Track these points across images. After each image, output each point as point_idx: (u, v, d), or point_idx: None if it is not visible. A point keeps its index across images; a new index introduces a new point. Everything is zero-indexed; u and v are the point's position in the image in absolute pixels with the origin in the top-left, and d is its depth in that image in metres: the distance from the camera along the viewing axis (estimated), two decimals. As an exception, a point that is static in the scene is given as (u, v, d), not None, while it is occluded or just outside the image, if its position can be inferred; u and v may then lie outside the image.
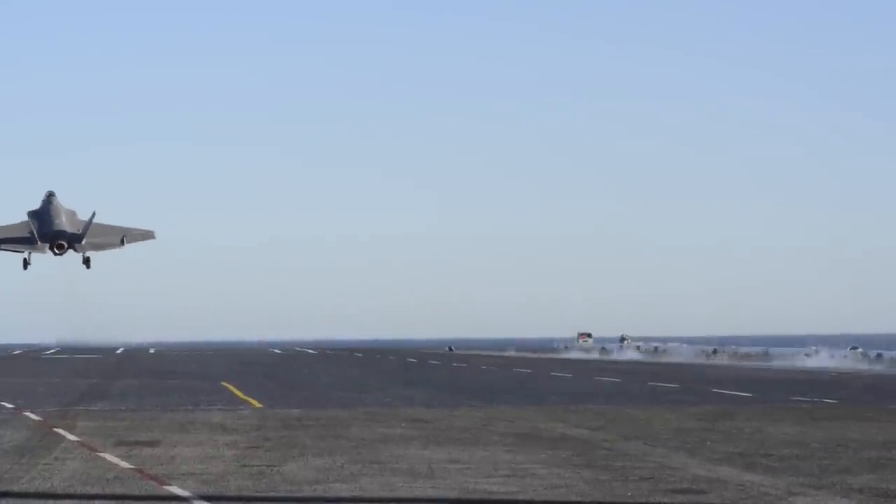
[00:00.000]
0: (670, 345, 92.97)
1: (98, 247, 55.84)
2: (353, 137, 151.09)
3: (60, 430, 21.47)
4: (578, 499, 13.62)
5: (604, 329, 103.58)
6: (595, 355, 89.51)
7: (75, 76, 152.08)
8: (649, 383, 41.75)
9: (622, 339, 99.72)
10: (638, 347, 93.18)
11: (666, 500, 13.54)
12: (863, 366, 67.52)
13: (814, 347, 75.30)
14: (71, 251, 55.31)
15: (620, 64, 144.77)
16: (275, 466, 16.33)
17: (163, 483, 14.72)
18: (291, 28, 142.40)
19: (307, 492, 14.11)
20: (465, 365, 64.13)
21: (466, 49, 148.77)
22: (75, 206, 56.62)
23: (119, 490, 14.18)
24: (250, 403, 29.85)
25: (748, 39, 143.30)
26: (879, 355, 74.42)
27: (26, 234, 54.75)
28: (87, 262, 55.63)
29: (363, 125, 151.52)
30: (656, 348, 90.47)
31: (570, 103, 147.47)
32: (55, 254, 54.95)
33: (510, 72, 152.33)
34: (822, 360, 68.93)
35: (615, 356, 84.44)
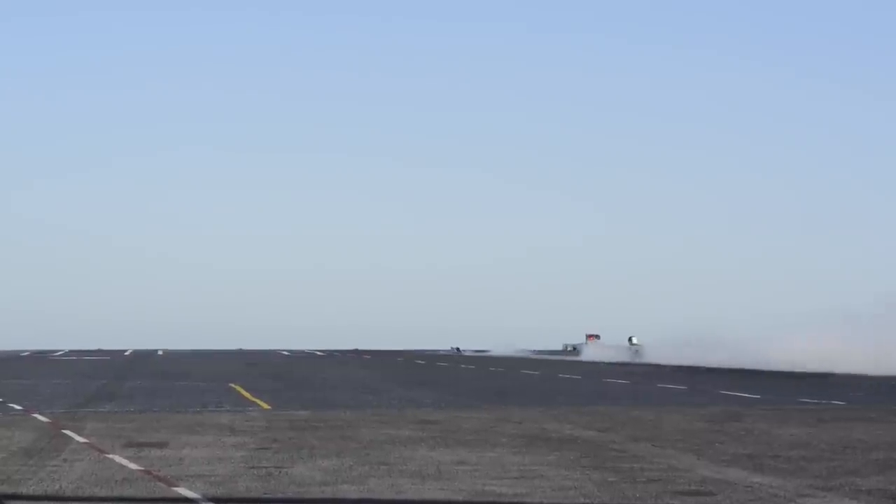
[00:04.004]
0: None
1: None
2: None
3: (69, 432, 21.51)
4: (587, 500, 13.62)
5: (609, 331, 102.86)
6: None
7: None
8: (658, 385, 41.82)
9: (630, 341, 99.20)
10: None
11: (675, 501, 13.54)
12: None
13: None
14: None
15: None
16: (283, 468, 16.35)
17: (171, 484, 14.75)
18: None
19: (315, 493, 14.12)
20: (472, 367, 64.21)
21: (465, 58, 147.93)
22: None
23: (128, 492, 14.20)
24: (258, 405, 29.90)
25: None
26: None
27: None
28: None
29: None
30: None
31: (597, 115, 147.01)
32: None
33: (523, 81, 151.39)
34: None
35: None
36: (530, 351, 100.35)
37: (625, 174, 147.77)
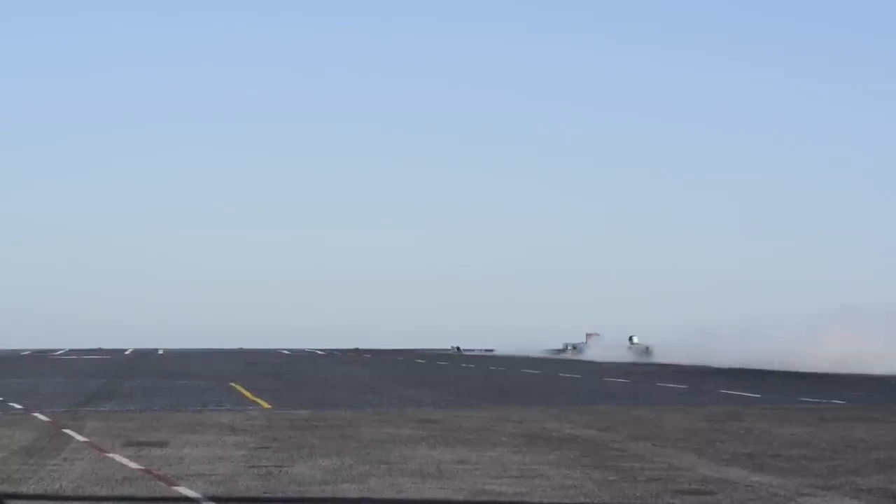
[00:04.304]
0: None
1: None
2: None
3: (69, 431, 21.51)
4: (587, 500, 13.61)
5: (610, 331, 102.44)
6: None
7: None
8: (657, 384, 41.80)
9: (631, 340, 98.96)
10: None
11: (675, 500, 13.53)
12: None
13: None
14: None
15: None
16: (283, 467, 16.34)
17: (171, 484, 14.74)
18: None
19: (315, 492, 14.11)
20: (472, 366, 64.19)
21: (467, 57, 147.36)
22: None
23: (128, 491, 14.20)
24: (259, 404, 29.88)
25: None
26: None
27: None
28: None
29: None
30: None
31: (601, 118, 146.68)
32: None
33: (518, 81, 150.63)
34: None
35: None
36: (540, 350, 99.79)
37: (625, 174, 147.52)
